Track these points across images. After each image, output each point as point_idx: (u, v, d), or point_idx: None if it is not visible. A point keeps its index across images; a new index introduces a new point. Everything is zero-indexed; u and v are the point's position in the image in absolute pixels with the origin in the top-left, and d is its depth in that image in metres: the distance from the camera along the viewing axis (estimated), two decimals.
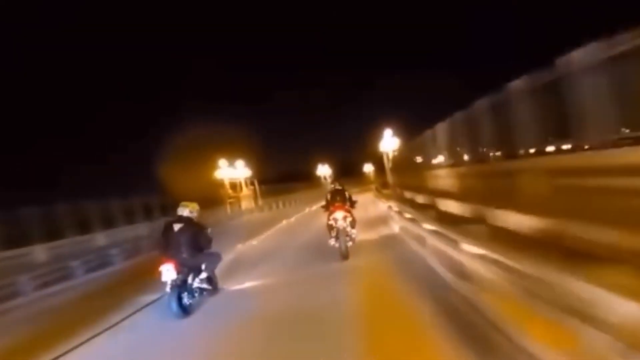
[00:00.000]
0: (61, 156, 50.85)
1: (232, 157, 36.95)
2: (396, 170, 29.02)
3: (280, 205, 38.80)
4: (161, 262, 6.28)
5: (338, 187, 9.81)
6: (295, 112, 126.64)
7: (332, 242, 8.82)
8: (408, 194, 16.13)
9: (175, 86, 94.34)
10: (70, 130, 68.85)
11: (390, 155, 32.33)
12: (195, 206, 7.02)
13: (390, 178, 31.60)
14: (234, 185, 36.72)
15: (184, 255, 6.52)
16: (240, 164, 37.75)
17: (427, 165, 14.03)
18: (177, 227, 6.68)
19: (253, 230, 17.71)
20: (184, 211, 6.87)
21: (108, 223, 18.84)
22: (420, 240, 7.33)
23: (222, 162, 34.89)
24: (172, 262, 6.28)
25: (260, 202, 39.29)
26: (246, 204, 37.04)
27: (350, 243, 8.79)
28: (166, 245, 6.60)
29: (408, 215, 9.43)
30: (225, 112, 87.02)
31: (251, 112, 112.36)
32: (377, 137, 34.10)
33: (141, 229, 19.20)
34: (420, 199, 11.84)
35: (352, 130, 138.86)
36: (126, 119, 70.41)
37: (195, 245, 6.70)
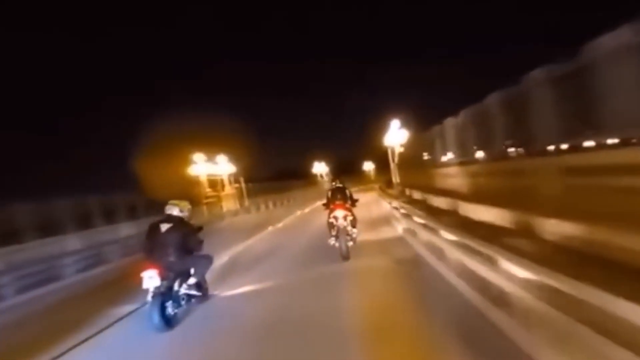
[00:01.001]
0: (24, 153, 46.55)
1: (217, 153, 32.45)
2: (404, 167, 25.03)
3: (271, 205, 34.73)
4: (144, 267, 5.64)
5: (339, 185, 9.49)
6: (292, 109, 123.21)
7: (332, 241, 8.63)
8: (432, 199, 12.30)
9: (166, 80, 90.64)
10: (36, 126, 64.82)
11: (397, 150, 27.92)
12: (186, 205, 6.56)
13: (396, 177, 27.62)
14: (214, 183, 31.93)
15: (171, 258, 6.00)
16: (222, 158, 32.91)
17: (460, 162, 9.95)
18: (164, 227, 6.13)
19: (236, 237, 14.62)
20: (173, 210, 6.39)
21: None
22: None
23: (198, 157, 29.44)
24: (157, 267, 5.67)
25: (246, 202, 34.74)
26: (229, 204, 32.29)
27: (350, 243, 8.62)
28: (151, 248, 6.05)
29: (450, 237, 5.66)
30: (216, 107, 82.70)
31: (245, 108, 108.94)
32: (380, 131, 29.45)
33: (70, 242, 14.35)
34: (466, 208, 7.84)
35: (351, 127, 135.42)
36: (110, 114, 66.54)
37: (184, 248, 6.18)
